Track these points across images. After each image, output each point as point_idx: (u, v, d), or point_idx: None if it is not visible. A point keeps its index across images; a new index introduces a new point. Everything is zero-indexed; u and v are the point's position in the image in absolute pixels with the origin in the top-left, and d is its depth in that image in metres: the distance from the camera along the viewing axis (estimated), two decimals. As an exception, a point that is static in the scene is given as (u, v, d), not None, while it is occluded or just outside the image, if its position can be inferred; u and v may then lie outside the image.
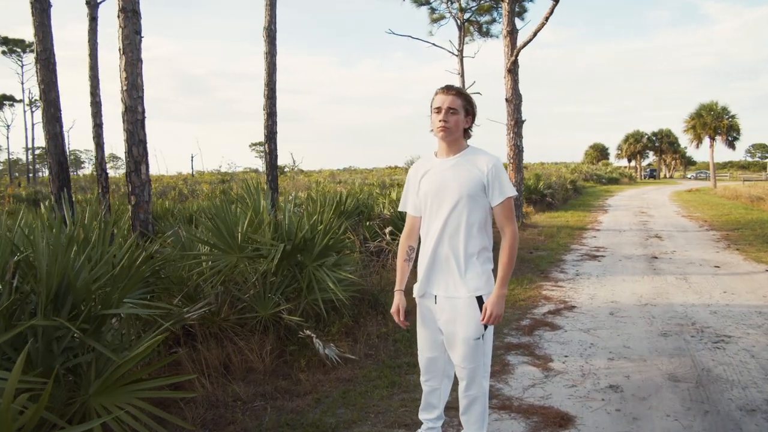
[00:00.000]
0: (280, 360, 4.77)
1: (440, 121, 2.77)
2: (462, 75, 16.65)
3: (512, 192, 2.77)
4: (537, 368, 4.56)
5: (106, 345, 3.32)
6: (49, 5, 6.76)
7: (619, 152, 77.28)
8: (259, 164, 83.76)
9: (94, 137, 6.27)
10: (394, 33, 15.92)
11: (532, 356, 4.86)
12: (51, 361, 3.05)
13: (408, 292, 3.03)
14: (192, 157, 74.21)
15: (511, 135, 13.89)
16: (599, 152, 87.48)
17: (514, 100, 13.74)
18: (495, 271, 2.83)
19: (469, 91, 16.29)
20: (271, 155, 9.11)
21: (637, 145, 74.31)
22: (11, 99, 50.66)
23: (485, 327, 2.79)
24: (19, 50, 44.23)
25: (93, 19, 6.61)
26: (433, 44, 16.69)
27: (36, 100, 53.73)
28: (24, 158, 60.16)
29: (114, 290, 3.25)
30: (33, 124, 52.80)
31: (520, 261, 9.63)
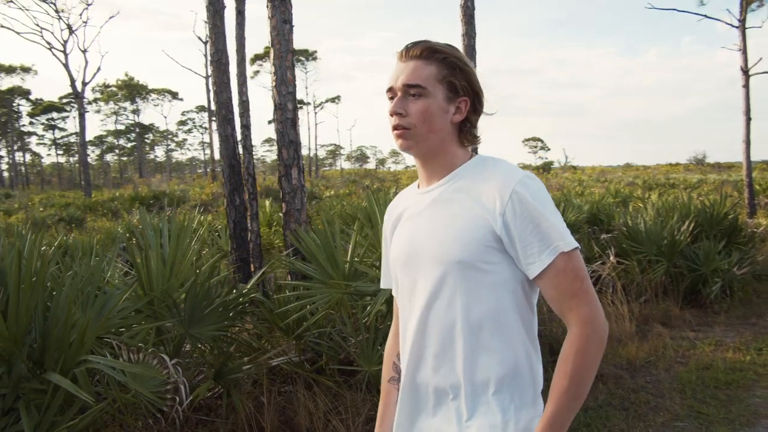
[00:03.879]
0: (379, 434, 3.60)
1: (392, 115, 1.37)
2: (744, 51, 13.22)
3: (567, 242, 1.26)
4: None
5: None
6: (223, 7, 6.47)
7: None
8: (532, 160, 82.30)
9: (240, 139, 5.78)
10: (654, 8, 13.32)
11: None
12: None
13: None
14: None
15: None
16: None
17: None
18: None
19: (753, 71, 12.97)
20: (468, 155, 7.90)
21: None
22: (300, 102, 57.55)
23: None
24: (303, 59, 49.70)
25: (239, 13, 6.18)
26: (705, 16, 13.54)
27: (321, 103, 60.01)
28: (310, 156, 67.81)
29: (61, 345, 2.42)
30: (316, 124, 59.59)
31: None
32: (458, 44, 7.39)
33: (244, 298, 4.05)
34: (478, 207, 1.29)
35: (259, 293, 4.44)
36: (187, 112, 79.55)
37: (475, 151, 1.55)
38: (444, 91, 1.35)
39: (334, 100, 62.72)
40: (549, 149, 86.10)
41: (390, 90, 1.37)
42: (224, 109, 6.61)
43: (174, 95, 69.16)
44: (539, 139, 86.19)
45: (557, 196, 11.75)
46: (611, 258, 6.51)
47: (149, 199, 20.99)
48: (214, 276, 3.91)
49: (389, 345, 1.64)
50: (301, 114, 59.14)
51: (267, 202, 13.21)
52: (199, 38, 33.41)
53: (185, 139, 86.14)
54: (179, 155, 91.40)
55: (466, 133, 1.40)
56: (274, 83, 5.50)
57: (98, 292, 3.17)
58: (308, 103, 57.02)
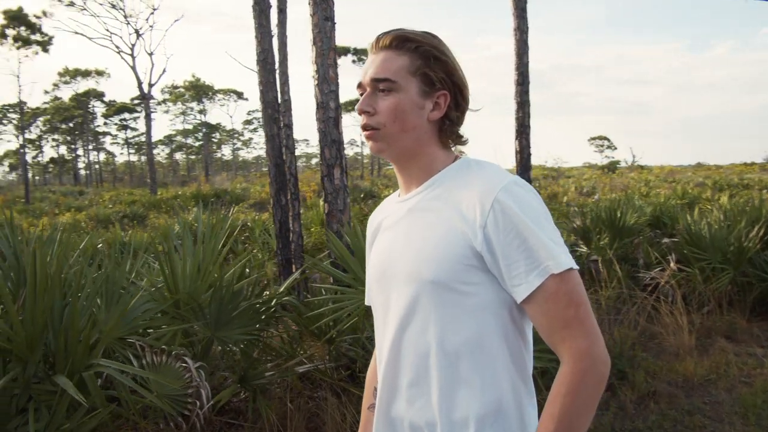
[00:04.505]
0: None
1: (359, 113, 1.22)
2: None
3: (558, 261, 1.07)
4: None
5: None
6: (269, 6, 6.43)
7: None
8: (598, 159, 79.65)
9: (283, 138, 5.72)
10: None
11: None
12: (5, 422, 2.36)
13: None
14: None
15: None
16: None
17: None
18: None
19: None
20: (522, 153, 7.59)
21: None
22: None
23: None
24: (364, 58, 49.61)
25: (281, 11, 6.11)
26: (785, 6, 12.68)
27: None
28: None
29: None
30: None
31: None
32: (510, 40, 7.12)
33: (277, 300, 3.97)
34: (457, 218, 1.13)
35: (292, 296, 4.36)
36: (253, 111, 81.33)
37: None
38: (418, 84, 1.18)
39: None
40: (615, 148, 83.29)
41: (359, 86, 1.23)
42: (270, 108, 6.58)
43: (239, 95, 70.84)
44: (605, 138, 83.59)
45: (619, 197, 11.25)
46: (671, 264, 6.11)
47: (210, 197, 21.46)
48: (244, 278, 3.84)
49: (371, 369, 1.48)
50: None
51: (321, 201, 13.24)
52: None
53: (251, 138, 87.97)
54: (245, 154, 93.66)
55: (448, 132, 1.23)
56: (316, 81, 5.42)
57: (122, 291, 3.15)
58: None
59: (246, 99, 73.97)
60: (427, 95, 1.19)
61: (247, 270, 4.10)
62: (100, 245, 7.58)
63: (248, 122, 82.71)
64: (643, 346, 5.04)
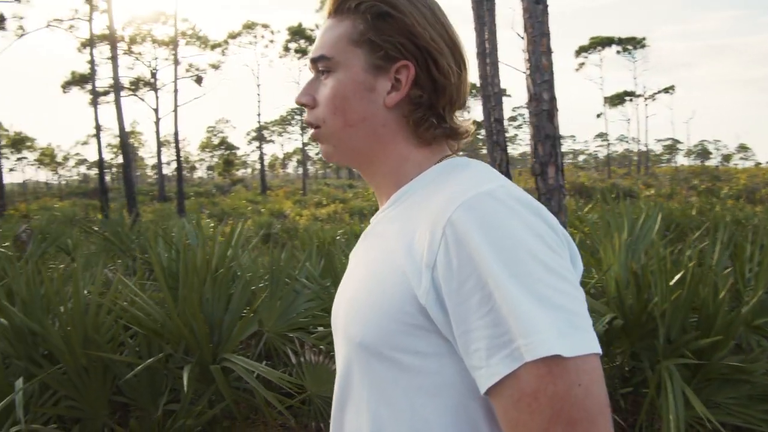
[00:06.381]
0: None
1: (298, 104, 0.87)
2: None
3: (541, 340, 0.59)
4: None
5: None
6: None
7: None
8: None
9: (493, 134, 5.38)
10: None
11: None
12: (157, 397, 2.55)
13: None
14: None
15: None
16: None
17: None
18: None
19: None
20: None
21: None
22: (630, 94, 54.29)
23: None
24: (630, 47, 46.65)
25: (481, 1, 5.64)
26: None
27: (652, 94, 55.12)
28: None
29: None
30: (646, 117, 55.45)
31: None
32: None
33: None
34: (403, 251, 0.73)
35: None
36: (517, 108, 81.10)
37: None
38: (364, 57, 0.81)
39: (668, 90, 57.17)
40: None
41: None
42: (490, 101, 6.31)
43: (502, 92, 71.28)
44: None
45: None
46: None
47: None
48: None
49: None
50: (630, 106, 56.30)
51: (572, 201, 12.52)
52: (518, 35, 33.93)
53: (516, 135, 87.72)
54: (511, 150, 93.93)
55: (416, 120, 0.81)
56: (527, 71, 5.04)
57: (287, 284, 3.20)
58: (639, 95, 53.49)
59: (509, 95, 74.24)
60: (379, 71, 0.80)
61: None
62: (338, 237, 8.07)
63: (513, 119, 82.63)
64: None
